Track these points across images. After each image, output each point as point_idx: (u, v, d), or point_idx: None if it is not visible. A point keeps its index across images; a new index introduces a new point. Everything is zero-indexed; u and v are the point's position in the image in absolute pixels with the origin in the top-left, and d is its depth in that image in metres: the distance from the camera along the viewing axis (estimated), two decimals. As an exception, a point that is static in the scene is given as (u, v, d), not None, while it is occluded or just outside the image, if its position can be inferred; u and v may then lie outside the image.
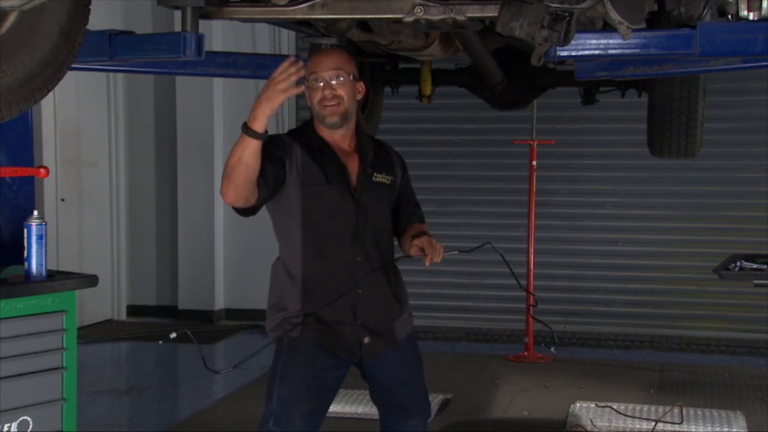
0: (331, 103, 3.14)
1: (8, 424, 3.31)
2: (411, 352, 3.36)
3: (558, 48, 3.00)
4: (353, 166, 3.23)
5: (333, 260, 3.18)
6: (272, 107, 2.87)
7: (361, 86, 3.25)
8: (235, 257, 8.16)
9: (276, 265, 3.27)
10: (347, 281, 3.17)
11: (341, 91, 3.16)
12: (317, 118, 3.21)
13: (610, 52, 3.13)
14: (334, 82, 3.15)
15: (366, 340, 3.19)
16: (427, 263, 3.06)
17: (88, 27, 2.74)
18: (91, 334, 7.46)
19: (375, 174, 3.26)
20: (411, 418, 3.33)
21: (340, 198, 3.16)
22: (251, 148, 2.88)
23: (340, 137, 3.23)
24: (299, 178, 3.14)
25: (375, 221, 3.22)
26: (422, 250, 3.09)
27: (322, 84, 3.15)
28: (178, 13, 3.21)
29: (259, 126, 2.87)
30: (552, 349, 3.61)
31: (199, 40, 3.18)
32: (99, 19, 3.13)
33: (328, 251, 3.17)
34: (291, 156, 3.13)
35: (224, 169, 2.95)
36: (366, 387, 3.37)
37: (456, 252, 3.62)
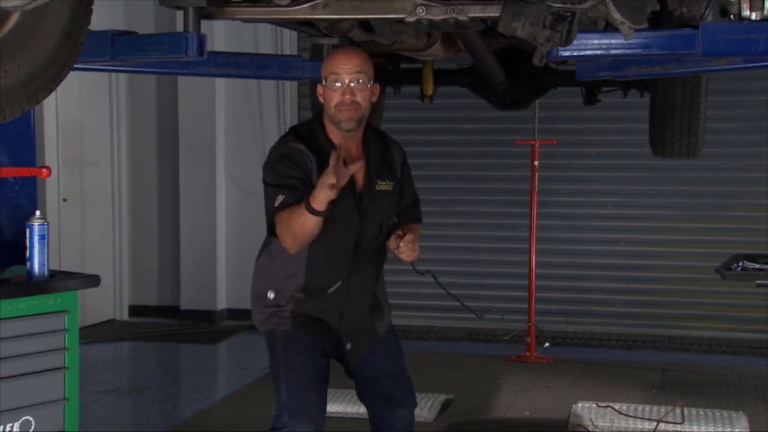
0: (349, 109, 3.09)
1: (10, 424, 3.31)
2: (392, 343, 3.41)
3: (560, 48, 2.99)
4: (360, 174, 3.18)
5: (333, 269, 3.20)
6: (331, 196, 2.89)
7: (376, 88, 3.20)
8: (237, 257, 8.15)
9: (268, 260, 3.28)
10: (341, 290, 3.22)
11: (359, 97, 3.09)
12: (331, 120, 3.15)
13: (612, 52, 3.13)
14: (353, 85, 3.08)
15: (348, 346, 3.26)
16: (395, 249, 3.11)
17: (90, 27, 2.74)
18: (93, 334, 7.47)
19: (379, 182, 3.23)
20: (398, 408, 3.36)
21: (346, 211, 3.14)
22: (313, 221, 2.95)
23: (350, 139, 3.19)
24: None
25: (374, 232, 3.23)
26: (398, 243, 3.12)
27: (341, 86, 3.09)
28: (179, 13, 3.21)
29: (321, 207, 2.91)
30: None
31: (201, 40, 3.17)
32: (101, 20, 3.12)
33: (329, 260, 3.19)
34: (311, 172, 3.10)
35: (285, 232, 3.01)
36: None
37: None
